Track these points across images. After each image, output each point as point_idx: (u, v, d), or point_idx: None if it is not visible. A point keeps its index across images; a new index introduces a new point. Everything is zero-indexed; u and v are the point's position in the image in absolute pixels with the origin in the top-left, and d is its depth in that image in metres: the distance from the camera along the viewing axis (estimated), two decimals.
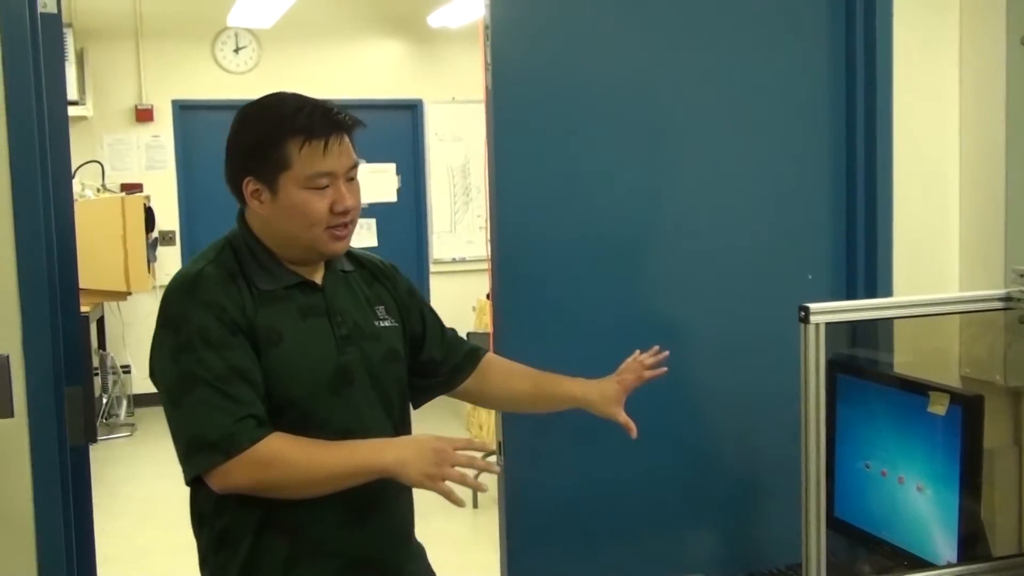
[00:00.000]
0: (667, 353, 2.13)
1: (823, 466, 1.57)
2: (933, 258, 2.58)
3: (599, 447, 2.35)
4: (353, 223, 1.85)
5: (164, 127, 7.86)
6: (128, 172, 7.76)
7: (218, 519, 1.82)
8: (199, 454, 1.71)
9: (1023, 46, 2.32)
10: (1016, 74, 2.36)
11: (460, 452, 1.73)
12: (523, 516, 2.45)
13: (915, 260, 2.55)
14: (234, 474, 1.70)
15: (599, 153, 2.46)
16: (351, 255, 2.00)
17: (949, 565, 1.74)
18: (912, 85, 2.54)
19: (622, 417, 2.06)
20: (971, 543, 1.88)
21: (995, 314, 1.98)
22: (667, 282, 2.53)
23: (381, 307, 1.97)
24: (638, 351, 2.15)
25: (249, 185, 1.81)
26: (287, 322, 1.82)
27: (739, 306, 2.55)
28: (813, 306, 1.56)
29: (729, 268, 2.54)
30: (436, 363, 2.07)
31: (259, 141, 1.79)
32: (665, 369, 2.13)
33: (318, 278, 1.89)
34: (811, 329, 1.56)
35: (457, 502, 1.71)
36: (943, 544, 1.92)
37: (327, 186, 1.79)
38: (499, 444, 2.44)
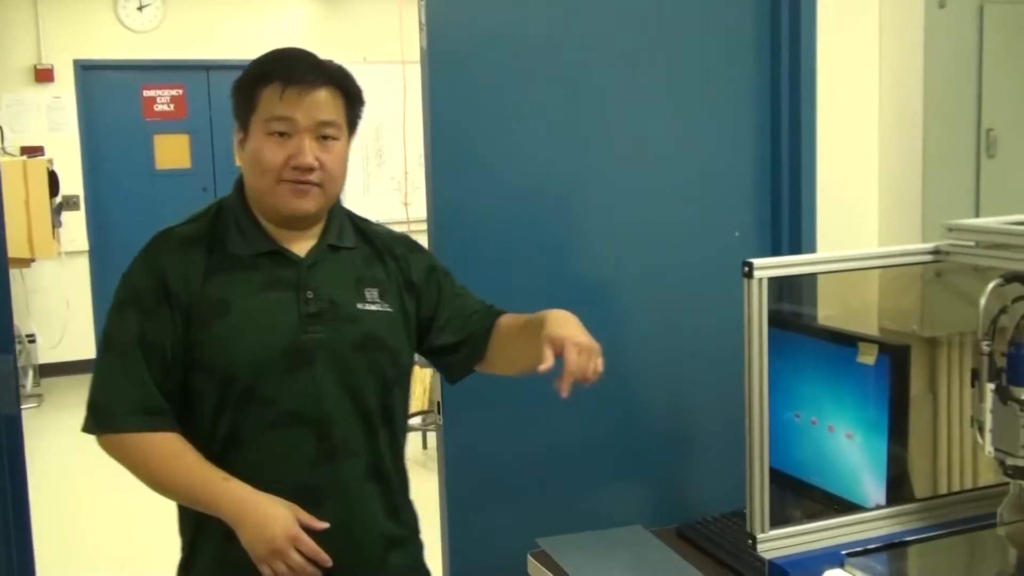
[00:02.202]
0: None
1: (766, 417, 1.63)
2: (854, 216, 2.68)
3: (536, 407, 2.39)
4: (324, 187, 1.78)
5: (65, 88, 7.64)
6: (28, 134, 7.53)
7: None
8: (89, 415, 1.77)
9: (941, 10, 2.41)
10: (934, 38, 2.45)
11: (296, 557, 1.66)
12: (462, 475, 2.48)
13: (837, 218, 2.65)
14: (106, 447, 1.76)
15: (533, 115, 2.48)
16: (363, 232, 1.93)
17: (878, 507, 1.82)
18: (834, 50, 2.61)
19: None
20: (898, 486, 1.98)
21: (914, 269, 2.07)
22: (599, 243, 2.57)
23: (374, 290, 1.86)
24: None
25: (237, 134, 1.82)
26: (241, 293, 1.77)
27: (668, 265, 2.61)
28: (756, 261, 1.61)
29: (658, 227, 2.60)
30: (447, 347, 1.96)
31: (239, 83, 1.80)
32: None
33: (301, 248, 1.83)
34: (754, 284, 1.61)
35: None
36: (872, 488, 2.01)
37: (288, 136, 1.74)
38: (438, 404, 2.47)
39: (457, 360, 1.99)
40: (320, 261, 1.83)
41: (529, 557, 2.28)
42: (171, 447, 1.74)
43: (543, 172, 2.50)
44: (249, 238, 1.80)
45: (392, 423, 1.89)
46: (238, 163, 1.84)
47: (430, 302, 1.95)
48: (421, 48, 2.38)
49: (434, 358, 2.02)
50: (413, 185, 7.34)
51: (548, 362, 1.71)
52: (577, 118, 2.52)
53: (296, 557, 1.66)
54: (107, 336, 1.78)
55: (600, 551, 2.26)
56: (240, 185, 1.85)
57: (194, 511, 1.78)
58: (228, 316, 1.75)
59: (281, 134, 1.75)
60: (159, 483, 1.75)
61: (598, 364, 1.77)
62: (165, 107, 8.26)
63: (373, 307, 1.84)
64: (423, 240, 2.15)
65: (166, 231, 1.82)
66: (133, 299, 1.76)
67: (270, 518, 1.67)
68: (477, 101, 2.43)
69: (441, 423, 2.47)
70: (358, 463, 1.82)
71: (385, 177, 8.28)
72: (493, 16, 2.43)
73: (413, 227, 5.96)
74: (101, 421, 1.75)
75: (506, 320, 1.98)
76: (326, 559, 1.70)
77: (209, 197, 7.61)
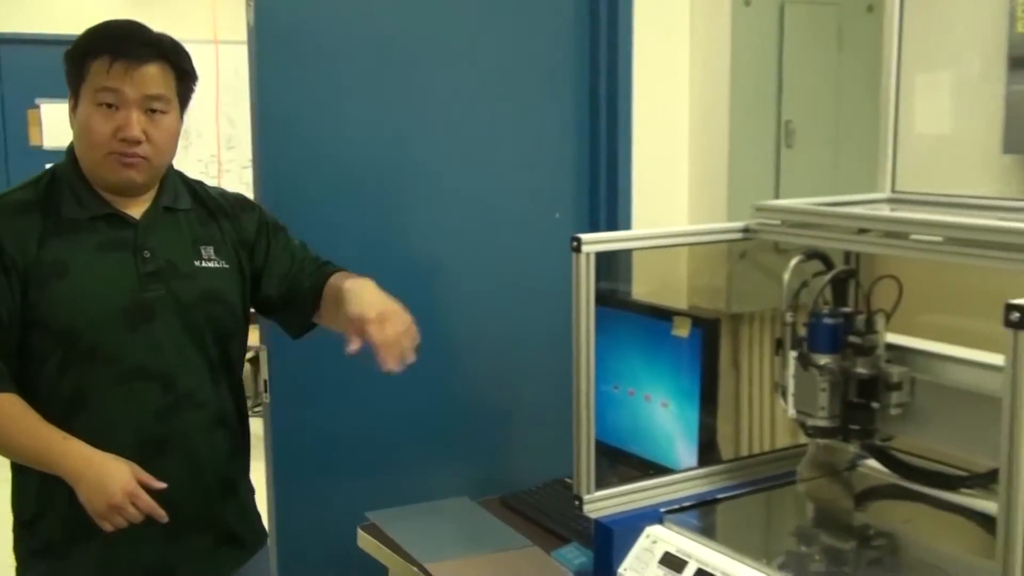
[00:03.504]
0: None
1: (592, 380, 1.72)
2: (666, 201, 2.83)
3: (363, 384, 2.43)
4: (151, 159, 1.82)
5: None
6: None
7: None
8: None
9: (746, 7, 2.58)
10: (740, 34, 2.62)
11: (133, 512, 1.70)
12: (289, 453, 2.49)
13: (650, 202, 2.79)
14: None
15: (361, 96, 2.51)
16: (196, 193, 1.97)
17: (690, 469, 1.95)
18: (649, 42, 2.75)
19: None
20: (708, 449, 2.12)
21: (721, 249, 2.22)
22: (426, 222, 2.62)
23: (210, 248, 1.92)
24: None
25: (70, 100, 1.82)
26: (79, 254, 1.80)
27: (493, 244, 2.69)
28: (584, 236, 1.69)
29: (482, 209, 2.67)
30: (277, 301, 2.02)
31: (70, 51, 1.80)
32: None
33: (136, 211, 1.87)
34: (582, 258, 1.69)
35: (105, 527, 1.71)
36: (684, 452, 2.15)
37: (115, 108, 1.78)
38: (265, 382, 2.46)
39: (291, 315, 2.06)
40: (155, 222, 1.88)
41: (359, 530, 2.32)
42: (9, 408, 1.75)
43: (371, 152, 2.53)
44: (84, 202, 1.83)
45: (232, 374, 1.97)
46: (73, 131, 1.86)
47: (260, 257, 2.02)
48: (248, 25, 2.37)
49: (269, 312, 2.08)
50: (223, 168, 7.18)
51: (353, 347, 1.76)
52: (404, 100, 2.56)
53: (133, 512, 1.70)
54: None
55: (428, 521, 2.33)
56: (71, 152, 1.87)
57: (38, 481, 1.80)
58: (67, 277, 1.77)
59: (109, 105, 1.78)
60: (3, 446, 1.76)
61: (412, 332, 1.81)
62: None
63: (210, 264, 1.91)
64: None
65: None
66: None
67: (108, 475, 1.71)
68: (305, 80, 2.44)
69: (268, 401, 2.46)
70: (204, 413, 1.88)
71: (192, 160, 8.05)
72: None
73: None
74: None
75: (335, 281, 2.00)
76: (162, 515, 1.74)
77: (0, 177, 7.24)
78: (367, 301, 1.82)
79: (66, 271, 1.78)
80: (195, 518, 1.87)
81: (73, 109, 1.83)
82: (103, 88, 1.77)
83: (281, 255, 2.04)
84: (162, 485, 1.75)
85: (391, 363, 1.76)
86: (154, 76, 1.80)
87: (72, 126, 1.85)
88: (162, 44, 1.83)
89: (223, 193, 2.04)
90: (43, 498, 1.83)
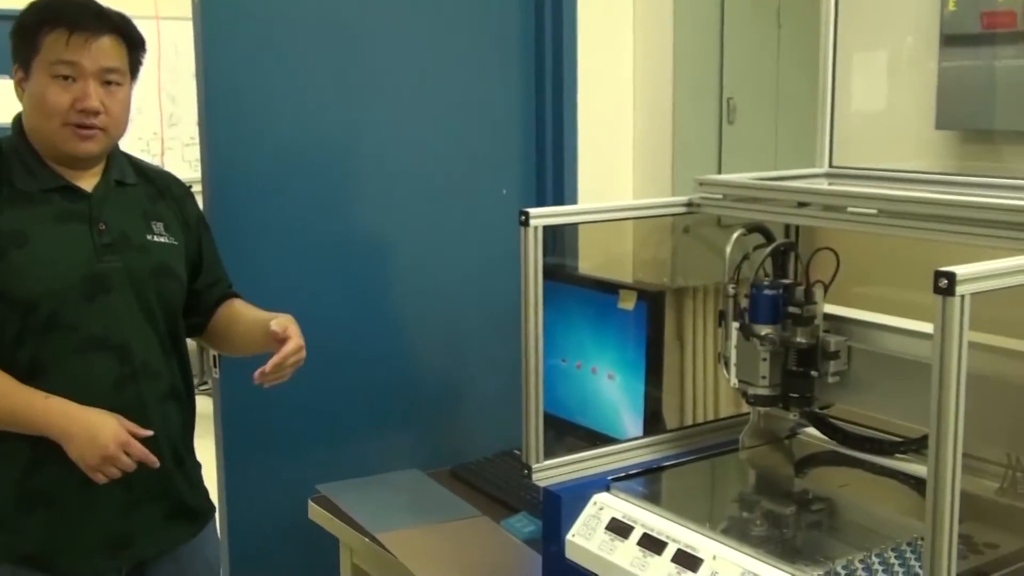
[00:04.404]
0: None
1: (541, 352, 1.74)
2: (611, 177, 2.87)
3: (314, 359, 2.43)
4: (108, 131, 1.84)
5: None
6: None
7: None
8: None
9: None
10: (682, 8, 2.67)
11: (127, 460, 1.75)
12: (239, 427, 2.50)
13: (596, 179, 2.83)
14: None
15: (306, 71, 2.51)
16: (141, 170, 1.99)
17: (636, 438, 1.99)
18: (594, 20, 2.79)
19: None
20: (653, 420, 2.17)
21: (665, 223, 2.26)
22: (374, 198, 2.64)
23: (160, 223, 1.95)
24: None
25: (17, 73, 1.82)
26: (37, 225, 1.80)
27: (441, 220, 2.72)
28: (532, 211, 1.71)
29: (430, 184, 2.70)
30: (193, 299, 2.04)
31: (20, 24, 1.80)
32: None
33: (87, 184, 1.88)
34: (530, 232, 1.71)
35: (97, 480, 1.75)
36: (630, 423, 2.20)
37: (72, 80, 1.79)
38: (215, 358, 2.47)
39: (188, 315, 2.05)
40: (108, 196, 1.89)
41: (310, 502, 2.34)
42: None
43: (317, 129, 2.54)
44: (36, 174, 1.84)
45: (180, 349, 1.99)
46: (23, 104, 1.85)
47: (194, 247, 2.04)
48: (193, 3, 2.36)
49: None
50: (166, 146, 7.08)
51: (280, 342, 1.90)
52: (350, 76, 2.57)
53: (126, 460, 1.74)
54: None
55: (379, 493, 2.36)
56: (19, 125, 1.86)
57: None
58: (26, 246, 1.78)
59: (65, 77, 1.79)
60: None
61: (300, 358, 1.94)
62: None
63: (161, 239, 1.94)
64: (198, 198, 2.16)
65: None
66: None
67: (98, 427, 1.74)
68: (250, 56, 2.44)
69: (217, 377, 2.47)
70: (159, 384, 1.91)
71: (133, 138, 7.93)
72: None
73: None
74: None
75: (240, 304, 2.11)
76: (154, 461, 1.78)
77: None
78: (294, 325, 1.95)
79: (25, 241, 1.78)
80: (150, 489, 1.89)
81: (21, 82, 1.83)
82: (60, 61, 1.78)
83: (209, 253, 2.09)
84: (149, 432, 1.80)
85: (269, 375, 1.89)
86: (109, 49, 1.82)
87: (20, 99, 1.85)
88: (114, 16, 1.84)
89: (166, 173, 2.07)
90: None
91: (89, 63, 1.79)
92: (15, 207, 1.80)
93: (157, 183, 2.00)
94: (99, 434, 1.74)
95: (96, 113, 1.80)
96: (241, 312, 2.08)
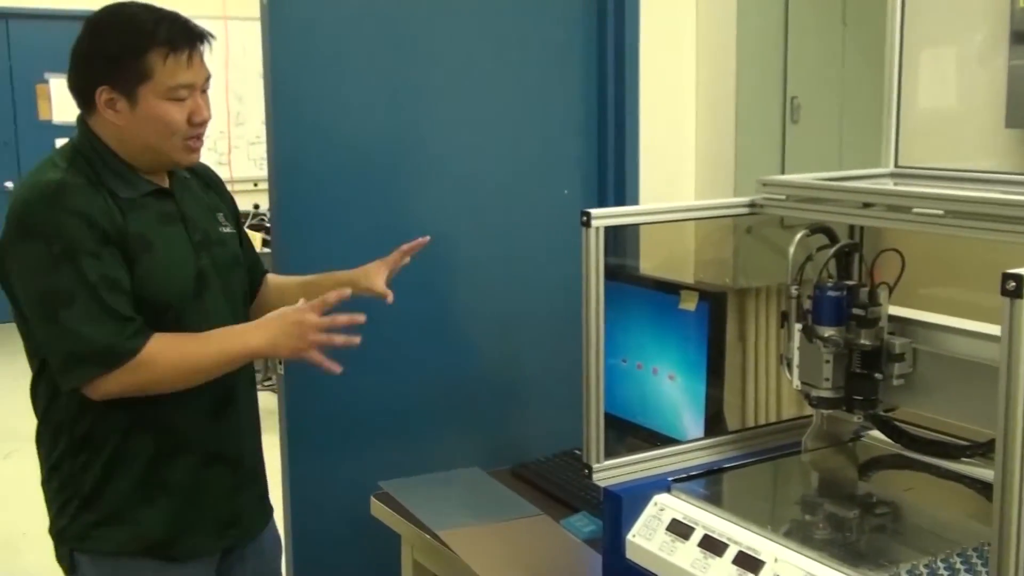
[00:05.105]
0: (427, 239, 2.18)
1: (602, 351, 1.75)
2: (673, 178, 2.87)
3: (377, 357, 2.46)
4: (203, 137, 1.90)
5: None
6: None
7: (79, 424, 1.84)
8: (80, 366, 1.75)
9: None
10: (745, 8, 2.65)
11: (319, 321, 1.83)
12: (303, 424, 2.54)
13: (657, 179, 2.82)
14: (114, 381, 1.75)
15: (371, 73, 2.54)
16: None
17: (697, 439, 1.98)
18: (656, 23, 2.79)
19: (380, 287, 2.11)
20: (714, 421, 2.16)
21: (727, 224, 2.25)
22: (436, 197, 2.66)
23: (220, 213, 2.03)
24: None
25: (103, 94, 1.81)
26: (152, 229, 1.86)
27: (503, 219, 2.73)
28: (594, 211, 1.72)
29: (493, 184, 2.72)
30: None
31: (119, 51, 1.79)
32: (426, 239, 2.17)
33: (167, 185, 1.93)
34: (592, 232, 1.72)
35: (331, 370, 1.84)
36: (691, 424, 2.19)
37: (186, 98, 1.83)
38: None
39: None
40: (183, 193, 1.96)
41: (372, 499, 2.37)
42: (175, 338, 1.82)
43: (381, 130, 2.57)
44: (131, 181, 1.87)
45: None
46: (107, 120, 1.84)
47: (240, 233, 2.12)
48: (261, 4, 2.40)
49: None
50: (233, 144, 7.19)
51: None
52: (414, 78, 2.59)
53: (319, 322, 1.83)
54: (63, 288, 1.74)
55: (440, 490, 2.37)
56: (89, 134, 1.87)
57: (110, 451, 1.84)
58: (151, 250, 1.84)
59: (183, 98, 1.83)
60: (192, 367, 1.82)
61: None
62: None
63: (226, 230, 2.02)
64: (263, 198, 2.22)
65: (58, 182, 1.78)
66: (77, 248, 1.75)
67: (291, 322, 1.83)
68: (317, 58, 2.47)
69: (282, 373, 2.51)
70: (245, 369, 1.99)
71: None
72: None
73: (237, 187, 5.87)
74: (105, 360, 1.74)
75: (275, 277, 2.22)
76: (355, 341, 1.88)
77: (11, 151, 7.23)
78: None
79: (149, 245, 1.84)
80: (248, 472, 2.00)
81: (111, 102, 1.81)
82: (182, 85, 1.81)
83: (244, 235, 2.15)
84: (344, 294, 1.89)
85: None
86: (203, 60, 1.87)
87: (106, 116, 1.83)
88: (192, 25, 1.86)
89: (198, 163, 2.06)
90: (111, 467, 1.86)
91: (199, 79, 1.85)
92: (127, 212, 1.83)
93: (201, 174, 2.06)
94: (297, 328, 1.82)
95: (206, 122, 1.88)
96: (283, 282, 2.18)
